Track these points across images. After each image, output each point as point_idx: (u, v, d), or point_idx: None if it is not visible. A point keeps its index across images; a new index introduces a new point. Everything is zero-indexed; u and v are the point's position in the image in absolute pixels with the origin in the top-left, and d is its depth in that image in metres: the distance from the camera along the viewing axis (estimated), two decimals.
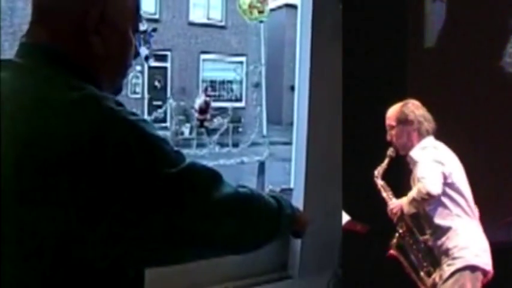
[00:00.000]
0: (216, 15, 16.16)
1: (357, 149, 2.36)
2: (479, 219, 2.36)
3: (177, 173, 0.95)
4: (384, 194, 2.39)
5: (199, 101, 12.89)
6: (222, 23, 16.08)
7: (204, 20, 15.96)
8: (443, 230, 2.32)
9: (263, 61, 12.62)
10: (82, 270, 0.93)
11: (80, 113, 0.92)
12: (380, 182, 2.41)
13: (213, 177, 1.03)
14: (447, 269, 2.28)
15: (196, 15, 15.83)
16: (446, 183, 2.27)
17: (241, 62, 16.00)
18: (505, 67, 2.81)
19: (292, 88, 2.78)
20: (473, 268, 2.26)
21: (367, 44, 2.43)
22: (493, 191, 2.58)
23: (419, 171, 2.29)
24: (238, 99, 16.03)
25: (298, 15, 2.54)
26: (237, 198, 1.05)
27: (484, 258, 2.29)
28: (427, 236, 2.37)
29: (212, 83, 15.99)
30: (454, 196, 2.30)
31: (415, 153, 2.36)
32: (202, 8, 16.03)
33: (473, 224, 2.34)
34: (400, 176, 2.49)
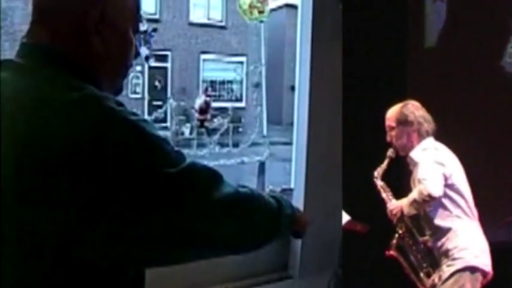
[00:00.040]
0: (216, 15, 16.14)
1: (357, 150, 2.37)
2: (479, 219, 2.36)
3: (177, 173, 0.95)
4: (384, 195, 2.39)
5: (199, 101, 12.87)
6: (222, 23, 16.06)
7: (204, 20, 15.94)
8: (443, 231, 2.32)
9: (263, 61, 12.61)
10: (82, 270, 0.93)
11: (81, 113, 0.92)
12: (380, 183, 2.41)
13: (213, 177, 1.03)
14: (447, 269, 2.28)
15: (197, 15, 15.81)
16: (447, 185, 2.27)
17: (241, 62, 15.98)
18: (505, 67, 2.82)
19: (293, 88, 2.78)
20: (472, 269, 2.26)
21: (367, 44, 2.43)
22: (493, 191, 2.59)
23: (420, 173, 2.28)
24: (239, 99, 16.01)
25: (298, 15, 2.54)
26: (237, 198, 1.05)
27: (483, 259, 2.29)
28: (426, 237, 2.37)
29: (212, 83, 15.97)
30: (454, 197, 2.30)
31: (415, 154, 2.36)
32: (202, 8, 16.01)
33: (473, 225, 2.34)
34: (400, 176, 2.49)
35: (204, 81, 15.71)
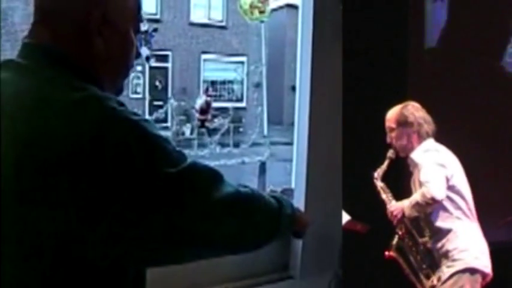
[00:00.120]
0: (217, 15, 16.14)
1: (357, 150, 2.36)
2: (479, 219, 2.36)
3: (177, 172, 0.95)
4: (384, 196, 2.39)
5: (200, 101, 12.86)
6: (223, 23, 16.05)
7: (205, 20, 15.93)
8: (443, 232, 2.31)
9: (264, 61, 12.60)
10: (82, 270, 0.93)
11: (82, 113, 0.92)
12: (380, 184, 2.41)
13: (213, 177, 1.03)
14: (446, 270, 2.28)
15: (197, 15, 15.80)
16: (448, 186, 2.27)
17: (242, 62, 15.96)
18: (506, 67, 2.82)
19: (293, 88, 2.78)
20: (472, 270, 2.26)
21: (367, 44, 2.43)
22: (493, 191, 2.58)
23: (422, 175, 2.28)
24: (239, 100, 16.00)
25: (299, 16, 2.54)
26: (238, 197, 1.05)
27: (483, 261, 2.29)
28: (426, 238, 2.37)
29: (213, 83, 15.96)
30: (454, 198, 2.30)
31: (416, 155, 2.35)
32: (203, 8, 16.01)
33: (473, 226, 2.34)
34: (400, 178, 2.49)
35: (204, 81, 15.70)
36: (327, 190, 2.41)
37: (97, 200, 0.89)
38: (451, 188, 2.28)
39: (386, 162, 2.41)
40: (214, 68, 16.19)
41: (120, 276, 1.00)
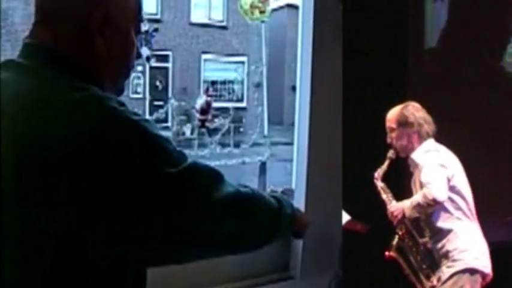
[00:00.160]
0: (218, 15, 16.14)
1: (357, 150, 2.36)
2: (479, 219, 2.36)
3: (178, 172, 0.95)
4: (384, 196, 2.39)
5: (200, 101, 12.86)
6: (224, 23, 16.06)
7: (206, 20, 15.93)
8: (443, 233, 2.31)
9: (264, 61, 12.60)
10: (82, 270, 0.94)
11: (83, 113, 0.92)
12: (380, 184, 2.40)
13: (214, 177, 1.03)
14: (446, 271, 2.27)
15: (198, 15, 15.80)
16: (449, 187, 2.27)
17: (242, 62, 15.97)
18: (506, 67, 2.82)
19: (294, 88, 2.78)
20: (472, 271, 2.26)
21: (367, 44, 2.43)
22: (493, 191, 2.58)
23: (424, 176, 2.27)
24: (240, 100, 16.00)
25: (299, 16, 2.54)
26: (238, 197, 1.06)
27: (483, 261, 2.29)
28: (426, 239, 2.37)
29: (213, 83, 15.96)
30: (455, 199, 2.30)
31: (417, 156, 2.35)
32: (203, 8, 16.01)
33: (473, 227, 2.34)
34: (400, 178, 2.48)
35: (205, 81, 15.70)
36: (327, 190, 2.41)
37: (97, 199, 0.89)
38: (451, 188, 2.28)
39: (386, 163, 2.41)
40: (215, 68, 16.19)
41: (120, 276, 1.00)
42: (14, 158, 0.91)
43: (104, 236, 0.91)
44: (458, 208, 2.31)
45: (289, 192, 2.53)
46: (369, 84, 2.44)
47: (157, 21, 13.62)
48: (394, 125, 2.39)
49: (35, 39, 1.04)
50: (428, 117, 2.38)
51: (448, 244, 2.30)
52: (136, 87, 14.20)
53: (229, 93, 16.34)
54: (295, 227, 1.27)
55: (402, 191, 2.41)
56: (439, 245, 2.32)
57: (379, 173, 2.41)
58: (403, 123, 2.37)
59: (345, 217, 2.42)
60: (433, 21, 2.77)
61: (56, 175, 0.89)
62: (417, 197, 2.27)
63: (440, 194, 2.21)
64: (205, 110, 12.48)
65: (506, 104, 2.73)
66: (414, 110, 2.38)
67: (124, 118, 0.95)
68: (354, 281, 2.42)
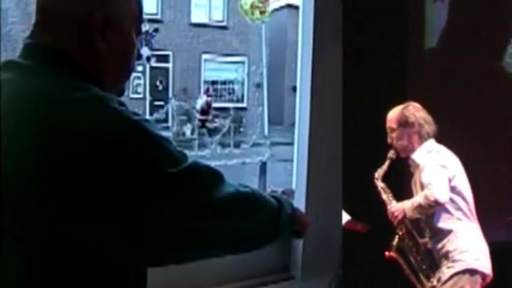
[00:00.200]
0: (218, 15, 16.15)
1: (357, 150, 2.37)
2: (479, 219, 2.36)
3: (178, 172, 0.95)
4: (384, 196, 2.38)
5: (200, 101, 12.89)
6: (224, 24, 16.07)
7: (206, 21, 15.95)
8: (443, 233, 2.31)
9: (265, 61, 12.62)
10: (82, 270, 0.94)
11: (83, 113, 0.92)
12: (380, 184, 2.40)
13: (214, 177, 1.03)
14: (446, 271, 2.27)
15: (198, 15, 15.82)
16: (450, 187, 2.27)
17: (242, 63, 15.98)
18: (506, 67, 2.82)
19: (294, 89, 2.78)
20: (472, 272, 2.25)
21: (367, 44, 2.43)
22: (493, 191, 2.58)
23: (425, 177, 2.27)
24: (240, 100, 16.02)
25: (299, 16, 2.54)
26: (238, 197, 1.06)
27: (483, 262, 2.28)
28: (426, 239, 2.37)
29: (214, 83, 15.98)
30: (456, 199, 2.29)
31: (418, 156, 2.35)
32: (204, 8, 16.03)
33: (473, 227, 2.34)
34: (400, 178, 2.49)
35: (205, 82, 15.72)
36: (327, 190, 2.41)
37: (97, 200, 0.89)
38: (452, 189, 2.27)
39: (387, 163, 2.41)
40: (215, 68, 16.21)
41: (120, 276, 1.00)
42: (14, 157, 0.91)
43: (104, 236, 0.91)
44: (459, 208, 2.30)
45: (289, 193, 2.53)
46: (369, 84, 2.44)
47: (157, 21, 13.64)
48: (394, 125, 2.38)
49: (35, 39, 1.04)
50: (429, 118, 2.38)
51: (448, 244, 2.30)
52: (137, 88, 14.22)
53: (229, 93, 16.36)
54: (295, 227, 1.27)
55: (402, 191, 2.40)
56: (439, 246, 2.32)
57: (379, 173, 2.41)
58: (404, 123, 2.37)
59: (345, 217, 2.42)
60: (433, 21, 2.77)
61: (56, 175, 0.89)
62: (418, 198, 2.26)
63: (442, 195, 2.21)
64: (205, 110, 12.50)
65: (506, 104, 2.73)
66: (415, 110, 2.38)
67: (124, 118, 0.95)
68: (354, 281, 2.42)
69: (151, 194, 0.92)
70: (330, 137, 2.40)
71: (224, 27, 16.03)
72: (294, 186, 2.56)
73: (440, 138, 2.38)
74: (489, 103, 2.70)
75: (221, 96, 15.97)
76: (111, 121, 0.93)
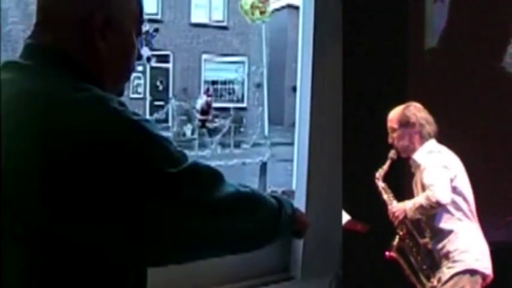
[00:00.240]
0: (218, 15, 16.16)
1: (357, 151, 2.37)
2: (479, 219, 2.35)
3: (178, 172, 0.95)
4: (385, 196, 2.38)
5: (201, 101, 12.89)
6: (224, 24, 16.08)
7: (206, 21, 15.96)
8: (444, 233, 2.30)
9: (265, 62, 12.62)
10: (82, 270, 0.94)
11: (84, 113, 0.92)
12: (381, 184, 2.40)
13: (214, 177, 1.04)
14: (447, 271, 2.27)
15: (198, 15, 15.83)
16: (451, 187, 2.27)
17: (243, 63, 15.99)
18: (506, 68, 2.82)
19: (294, 89, 2.78)
20: (473, 272, 2.25)
21: (367, 45, 2.43)
22: (493, 191, 2.58)
23: (426, 178, 2.26)
24: (240, 100, 16.03)
25: (300, 16, 2.54)
26: (238, 197, 1.06)
27: (484, 263, 2.28)
28: (426, 239, 2.36)
29: (214, 83, 15.98)
30: (456, 200, 2.29)
31: (419, 157, 2.34)
32: (204, 8, 16.04)
33: (473, 227, 2.34)
34: (401, 178, 2.48)
35: (205, 82, 15.73)
36: (327, 190, 2.41)
37: (98, 200, 0.89)
38: (453, 189, 2.27)
39: (387, 163, 2.40)
40: (215, 68, 16.22)
41: (120, 276, 1.00)
42: (15, 157, 0.91)
43: (104, 236, 0.91)
44: (460, 209, 2.30)
45: (289, 193, 2.53)
46: (369, 84, 2.44)
47: (157, 21, 13.64)
48: (395, 125, 2.38)
49: (36, 39, 1.04)
50: (430, 118, 2.37)
51: (449, 245, 2.30)
52: (137, 88, 14.23)
53: (229, 93, 16.36)
54: (295, 227, 1.28)
55: (403, 191, 2.40)
56: (440, 246, 2.32)
57: (380, 173, 2.41)
58: (405, 123, 2.37)
59: (345, 217, 2.42)
60: (433, 21, 2.77)
61: (57, 175, 0.89)
62: (420, 199, 2.26)
63: (444, 196, 2.21)
64: (205, 110, 12.50)
65: (507, 104, 2.72)
66: (416, 111, 2.38)
67: (124, 118, 0.95)
68: (354, 281, 2.42)
69: (152, 194, 0.92)
70: (330, 137, 2.40)
71: (224, 27, 16.04)
72: (294, 187, 2.56)
73: (441, 138, 2.38)
74: (489, 103, 2.70)
75: (221, 96, 15.98)
76: (111, 121, 0.93)
